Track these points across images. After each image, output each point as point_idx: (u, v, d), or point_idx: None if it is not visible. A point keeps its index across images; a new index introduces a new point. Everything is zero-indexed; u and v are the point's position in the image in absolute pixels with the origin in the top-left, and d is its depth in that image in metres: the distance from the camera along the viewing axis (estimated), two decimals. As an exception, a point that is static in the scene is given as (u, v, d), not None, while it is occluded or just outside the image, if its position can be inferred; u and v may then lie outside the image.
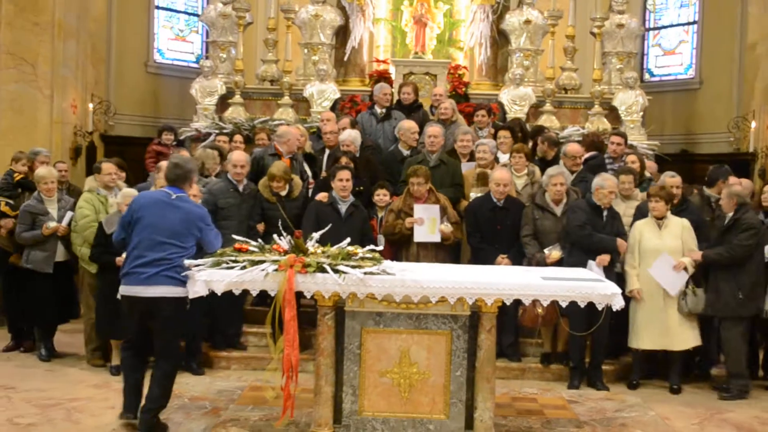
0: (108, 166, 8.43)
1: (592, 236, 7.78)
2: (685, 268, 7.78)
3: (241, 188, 8.29)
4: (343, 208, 8.09)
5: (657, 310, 7.80)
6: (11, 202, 8.92)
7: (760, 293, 7.80)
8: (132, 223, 6.15)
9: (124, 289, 6.03)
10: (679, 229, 7.90)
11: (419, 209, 8.10)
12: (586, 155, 9.50)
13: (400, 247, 8.27)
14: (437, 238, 8.10)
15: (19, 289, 8.60)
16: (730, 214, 7.82)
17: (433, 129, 9.17)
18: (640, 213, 8.18)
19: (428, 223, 8.06)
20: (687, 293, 7.78)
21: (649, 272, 7.77)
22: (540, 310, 7.49)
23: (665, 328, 7.78)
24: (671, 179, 8.39)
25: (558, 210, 8.14)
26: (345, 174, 8.11)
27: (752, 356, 8.36)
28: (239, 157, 8.36)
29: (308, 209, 8.23)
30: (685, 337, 7.83)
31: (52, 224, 8.24)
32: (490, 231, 8.22)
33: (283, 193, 8.26)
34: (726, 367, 8.02)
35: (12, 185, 9.16)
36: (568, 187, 8.36)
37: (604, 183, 7.94)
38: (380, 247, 6.26)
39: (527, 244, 8.14)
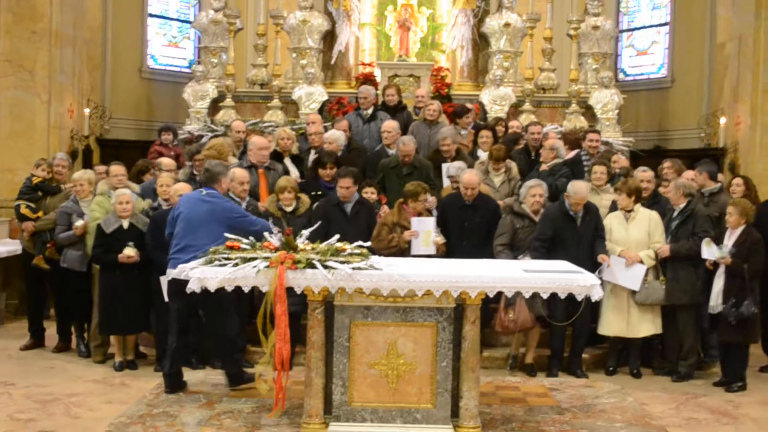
0: (115, 169, 8.72)
1: (533, 255, 7.86)
2: (642, 261, 7.96)
3: (243, 205, 8.04)
4: (348, 207, 8.27)
5: (621, 298, 8.03)
6: (32, 205, 9.11)
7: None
8: (174, 219, 7.12)
9: (168, 273, 6.80)
10: (647, 221, 8.09)
11: (416, 222, 8.14)
12: (569, 155, 9.80)
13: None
14: (432, 251, 8.08)
15: (41, 289, 8.95)
16: (681, 206, 8.07)
17: (407, 147, 9.30)
18: (614, 207, 8.43)
19: (423, 235, 8.10)
20: (647, 285, 7.97)
21: (605, 279, 7.88)
22: (510, 315, 7.72)
23: (626, 316, 8.02)
24: (641, 173, 8.62)
25: (537, 218, 8.20)
26: (346, 182, 8.26)
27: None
28: (243, 174, 8.21)
29: (316, 211, 8.32)
30: (643, 326, 8.05)
31: (79, 223, 8.34)
32: (458, 227, 8.38)
33: (289, 208, 8.30)
34: (675, 352, 8.13)
35: (31, 189, 9.28)
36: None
37: (573, 193, 8.02)
38: (368, 244, 6.36)
39: (500, 252, 8.10)
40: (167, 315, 7.50)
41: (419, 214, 8.22)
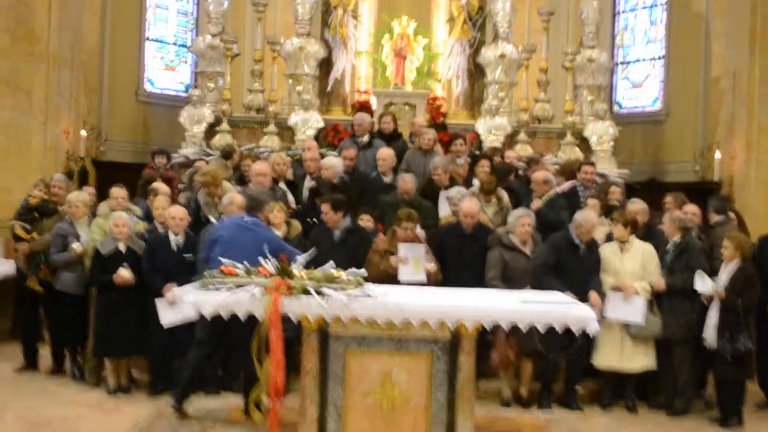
0: (116, 191, 8.67)
1: (542, 280, 7.79)
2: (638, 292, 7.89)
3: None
4: (336, 233, 8.22)
5: (614, 330, 7.97)
6: (27, 226, 9.04)
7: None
8: (212, 242, 7.02)
9: None
10: (640, 253, 8.08)
11: (404, 248, 7.99)
12: (564, 187, 9.82)
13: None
14: (422, 278, 7.90)
15: (35, 310, 8.90)
16: (676, 239, 8.09)
17: (406, 185, 9.23)
18: (610, 239, 8.39)
19: (412, 262, 7.95)
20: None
21: (608, 318, 7.85)
22: (511, 355, 7.66)
23: (620, 349, 7.96)
24: (632, 206, 8.64)
25: (527, 249, 8.12)
26: (324, 208, 8.25)
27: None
28: (242, 200, 7.97)
29: (311, 234, 8.36)
30: (637, 359, 7.99)
31: (77, 245, 8.34)
32: (457, 257, 8.29)
33: (280, 234, 8.06)
34: (670, 386, 8.07)
35: (28, 210, 9.22)
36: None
37: (584, 222, 8.04)
38: (363, 272, 6.31)
39: (495, 286, 7.85)
40: (169, 337, 7.52)
41: (413, 241, 8.15)
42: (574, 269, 7.99)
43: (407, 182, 9.35)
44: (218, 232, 7.27)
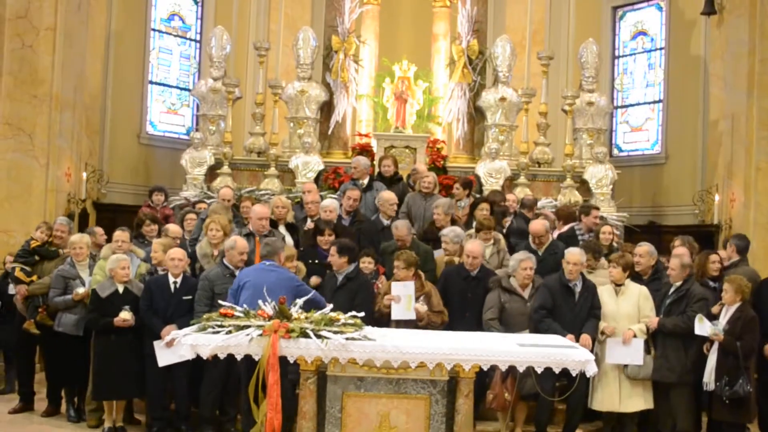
0: (118, 234, 8.67)
1: (542, 322, 7.83)
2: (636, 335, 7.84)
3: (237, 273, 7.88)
4: (339, 278, 8.15)
5: (612, 372, 7.90)
6: (27, 268, 9.07)
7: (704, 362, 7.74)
8: (239, 290, 7.06)
9: None
10: (636, 295, 8.03)
11: (396, 287, 8.01)
12: (563, 230, 9.84)
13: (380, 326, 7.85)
14: (412, 316, 7.91)
15: (31, 352, 8.92)
16: (678, 284, 8.02)
17: (400, 231, 9.09)
18: None
19: (405, 300, 7.93)
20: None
21: (609, 363, 7.84)
22: (507, 396, 7.60)
23: (618, 391, 7.88)
24: (639, 248, 8.59)
25: (526, 293, 8.12)
26: (332, 249, 8.26)
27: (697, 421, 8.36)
28: (244, 245, 8.11)
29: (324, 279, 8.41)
30: (634, 400, 7.89)
31: (81, 290, 8.35)
32: (460, 298, 8.28)
33: None
34: (668, 429, 7.96)
35: (28, 252, 9.23)
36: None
37: (567, 257, 8.06)
38: (362, 314, 6.36)
39: (492, 327, 7.95)
40: (165, 379, 7.57)
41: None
42: (569, 312, 7.95)
43: (399, 229, 9.19)
44: (243, 278, 7.32)
